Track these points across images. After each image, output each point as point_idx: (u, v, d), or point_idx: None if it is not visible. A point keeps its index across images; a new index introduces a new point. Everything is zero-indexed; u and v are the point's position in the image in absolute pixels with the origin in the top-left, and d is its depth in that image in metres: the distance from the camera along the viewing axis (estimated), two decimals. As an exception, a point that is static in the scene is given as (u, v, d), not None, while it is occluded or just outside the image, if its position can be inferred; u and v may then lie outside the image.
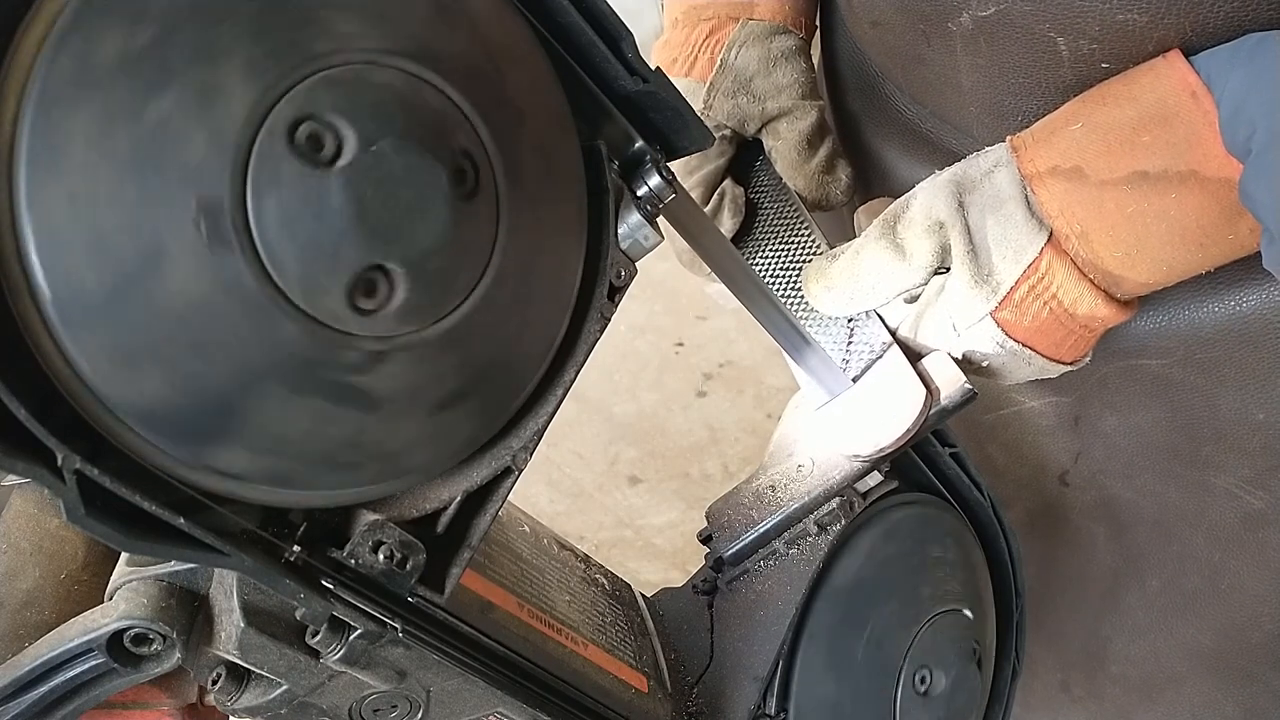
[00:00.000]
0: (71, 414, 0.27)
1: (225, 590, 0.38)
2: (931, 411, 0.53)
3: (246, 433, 0.29)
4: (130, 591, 0.37)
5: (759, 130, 0.65)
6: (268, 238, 0.27)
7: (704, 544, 0.60)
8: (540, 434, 0.38)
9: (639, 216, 0.39)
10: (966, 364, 0.53)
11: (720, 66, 0.63)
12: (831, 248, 0.57)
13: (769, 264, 0.61)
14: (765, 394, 1.76)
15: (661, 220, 0.42)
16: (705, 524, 0.61)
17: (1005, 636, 0.65)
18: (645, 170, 0.40)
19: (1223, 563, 0.68)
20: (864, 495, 0.56)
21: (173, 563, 0.38)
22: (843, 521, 0.55)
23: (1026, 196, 0.48)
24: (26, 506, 0.45)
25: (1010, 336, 0.50)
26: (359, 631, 0.36)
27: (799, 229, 0.61)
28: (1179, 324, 0.58)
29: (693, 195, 0.63)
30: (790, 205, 0.63)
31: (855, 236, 0.54)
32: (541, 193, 0.35)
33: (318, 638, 0.36)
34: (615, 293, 0.39)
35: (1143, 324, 0.59)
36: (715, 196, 0.64)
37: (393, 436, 0.32)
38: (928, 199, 0.51)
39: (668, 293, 1.84)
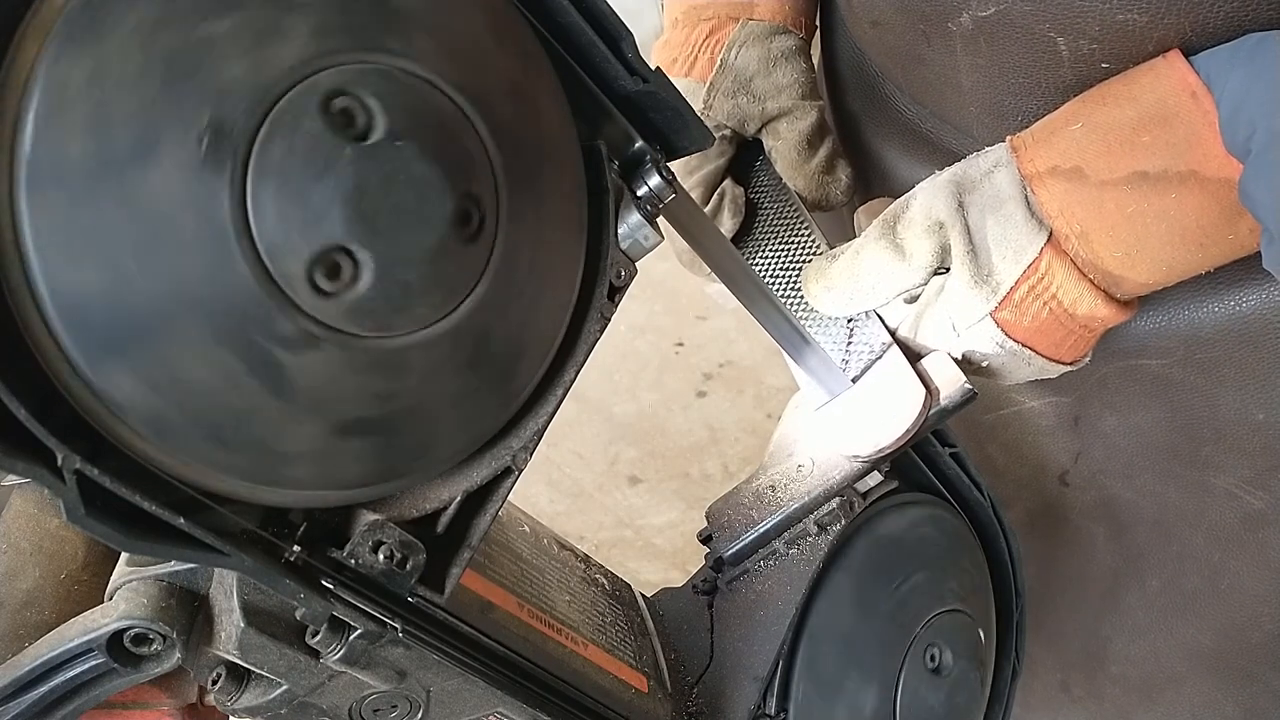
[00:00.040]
0: (71, 414, 0.27)
1: (225, 590, 0.38)
2: (931, 411, 0.53)
3: (146, 358, 0.27)
4: (130, 591, 0.37)
5: (759, 130, 0.65)
6: (260, 177, 0.27)
7: (704, 544, 0.60)
8: (540, 434, 0.38)
9: (639, 216, 0.39)
10: (966, 364, 0.53)
11: (720, 66, 0.63)
12: (831, 248, 0.57)
13: (769, 264, 0.61)
14: (765, 394, 1.76)
15: (661, 220, 0.42)
16: (705, 524, 0.61)
17: (1005, 636, 0.65)
18: (645, 170, 0.40)
19: (1223, 563, 0.68)
20: (864, 495, 0.56)
21: (173, 563, 0.38)
22: (843, 521, 0.55)
23: (1026, 196, 0.48)
24: (26, 506, 0.45)
25: (1010, 337, 0.50)
26: (359, 631, 0.36)
27: (799, 229, 0.61)
28: (1179, 324, 0.58)
29: (693, 195, 0.63)
30: (790, 205, 0.63)
31: (855, 236, 0.55)
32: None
33: (318, 638, 0.36)
34: (615, 293, 0.39)
35: (1143, 324, 0.59)
36: (715, 196, 0.64)
37: (282, 433, 0.30)
38: (928, 199, 0.51)
39: (668, 293, 1.84)
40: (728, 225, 0.64)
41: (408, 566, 0.35)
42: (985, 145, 0.52)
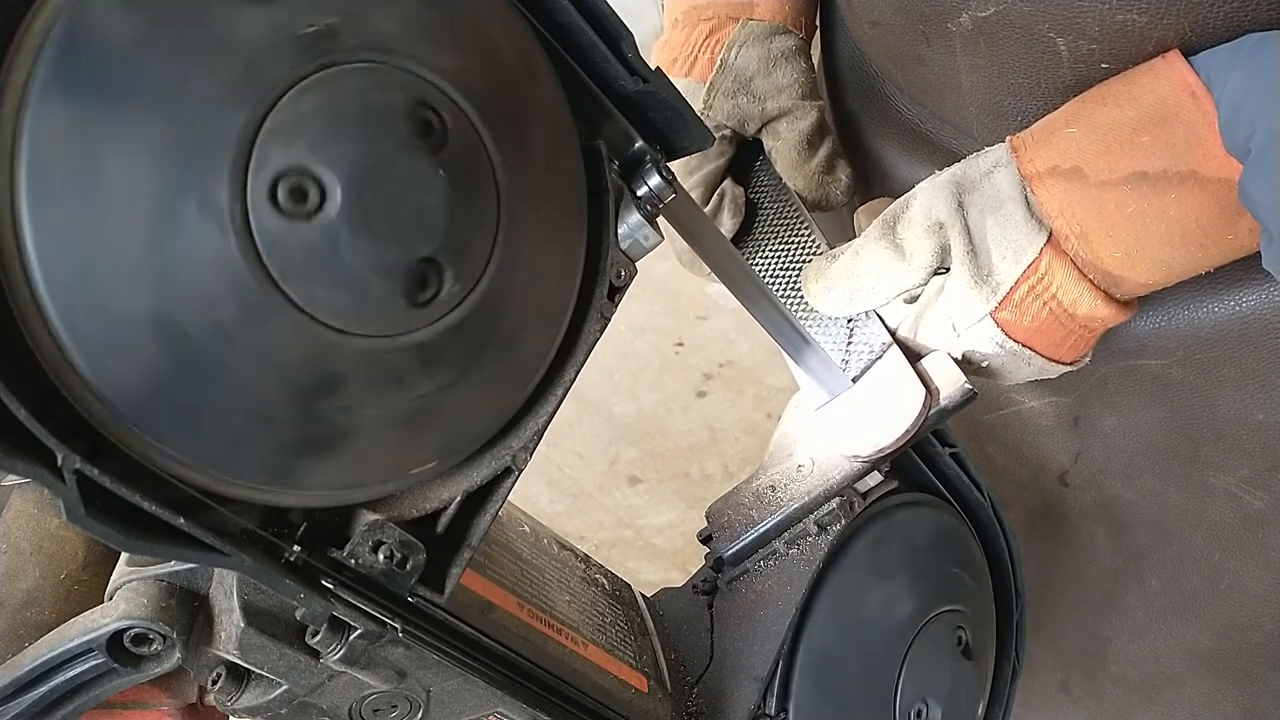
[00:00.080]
0: (71, 414, 0.27)
1: (225, 590, 0.38)
2: (931, 411, 0.53)
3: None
4: (130, 591, 0.37)
5: (759, 130, 0.65)
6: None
7: (704, 544, 0.60)
8: (540, 434, 0.38)
9: (639, 216, 0.39)
10: (966, 364, 0.53)
11: (720, 66, 0.63)
12: (831, 248, 0.57)
13: (769, 264, 0.61)
14: (765, 394, 1.76)
15: (661, 220, 0.42)
16: (705, 524, 0.61)
17: (1005, 636, 0.65)
18: (645, 170, 0.40)
19: (1222, 563, 0.68)
20: (864, 495, 0.56)
21: (173, 563, 0.38)
22: (843, 521, 0.55)
23: (1026, 197, 0.48)
24: (26, 506, 0.45)
25: (1010, 337, 0.50)
26: (359, 631, 0.36)
27: (799, 229, 0.61)
28: (1179, 324, 0.58)
29: (693, 195, 0.63)
30: (790, 205, 0.63)
31: (855, 236, 0.54)
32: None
33: (318, 638, 0.36)
34: (615, 293, 0.39)
35: (1143, 324, 0.59)
36: (715, 196, 0.64)
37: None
38: (927, 199, 0.51)
39: (668, 293, 1.84)
40: (728, 225, 0.64)
41: (408, 566, 0.35)
42: (985, 145, 0.52)
